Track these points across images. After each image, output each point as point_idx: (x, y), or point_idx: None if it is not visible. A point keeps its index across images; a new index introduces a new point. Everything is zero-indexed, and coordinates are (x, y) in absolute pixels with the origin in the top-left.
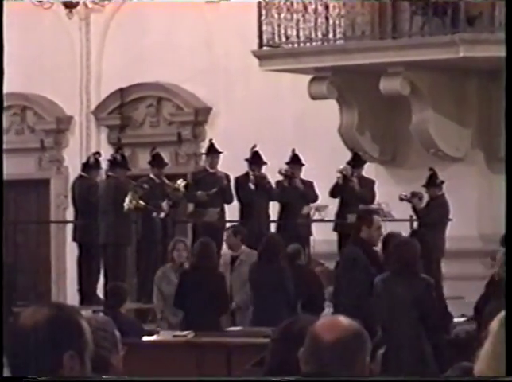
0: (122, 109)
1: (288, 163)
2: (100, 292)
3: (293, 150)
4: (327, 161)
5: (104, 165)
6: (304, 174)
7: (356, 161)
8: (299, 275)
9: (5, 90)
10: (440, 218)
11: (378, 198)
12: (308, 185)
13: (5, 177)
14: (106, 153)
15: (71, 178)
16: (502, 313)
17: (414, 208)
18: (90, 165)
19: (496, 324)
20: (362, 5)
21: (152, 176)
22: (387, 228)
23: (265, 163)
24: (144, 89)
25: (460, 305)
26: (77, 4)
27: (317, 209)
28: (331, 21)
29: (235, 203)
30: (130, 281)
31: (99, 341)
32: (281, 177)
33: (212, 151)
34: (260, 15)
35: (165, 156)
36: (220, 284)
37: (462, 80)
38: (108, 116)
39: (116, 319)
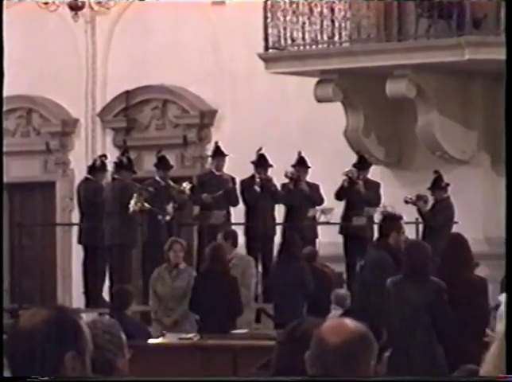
0: (128, 111)
1: (293, 166)
2: (106, 294)
3: (299, 153)
4: (332, 163)
5: (110, 167)
6: (309, 177)
7: (362, 164)
8: (314, 277)
9: (10, 92)
10: (445, 221)
11: (383, 201)
12: (314, 187)
13: (11, 180)
14: (112, 155)
15: (77, 181)
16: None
17: (419, 211)
18: (96, 168)
19: (503, 327)
20: (368, 8)
21: (157, 178)
22: None
23: (270, 166)
24: (149, 92)
25: None
26: (83, 6)
27: (323, 212)
28: (336, 24)
29: (241, 205)
30: (136, 283)
31: (105, 344)
32: (286, 180)
33: (218, 154)
34: (266, 18)
35: (171, 158)
36: (233, 287)
37: (467, 83)
38: (114, 119)
39: (122, 322)
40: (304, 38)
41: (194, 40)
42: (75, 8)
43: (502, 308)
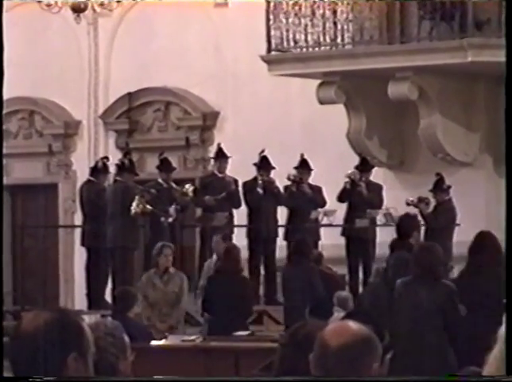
0: (130, 113)
1: (296, 168)
2: (108, 296)
3: (302, 155)
4: (335, 165)
5: (112, 169)
6: (312, 179)
7: (364, 166)
8: (322, 279)
9: (13, 94)
10: (447, 223)
11: (385, 203)
12: (317, 189)
13: (13, 182)
14: (114, 157)
15: (79, 183)
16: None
17: (421, 213)
18: (98, 170)
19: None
20: (371, 10)
21: (160, 180)
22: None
23: (273, 168)
24: (152, 94)
25: None
26: (85, 8)
27: (325, 214)
28: (339, 26)
29: (244, 207)
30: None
31: (107, 347)
32: (289, 182)
33: (220, 156)
34: (268, 20)
35: (173, 160)
36: (245, 288)
37: (470, 85)
38: (116, 121)
39: (124, 323)
40: (306, 40)
41: (196, 43)
42: (77, 10)
43: None
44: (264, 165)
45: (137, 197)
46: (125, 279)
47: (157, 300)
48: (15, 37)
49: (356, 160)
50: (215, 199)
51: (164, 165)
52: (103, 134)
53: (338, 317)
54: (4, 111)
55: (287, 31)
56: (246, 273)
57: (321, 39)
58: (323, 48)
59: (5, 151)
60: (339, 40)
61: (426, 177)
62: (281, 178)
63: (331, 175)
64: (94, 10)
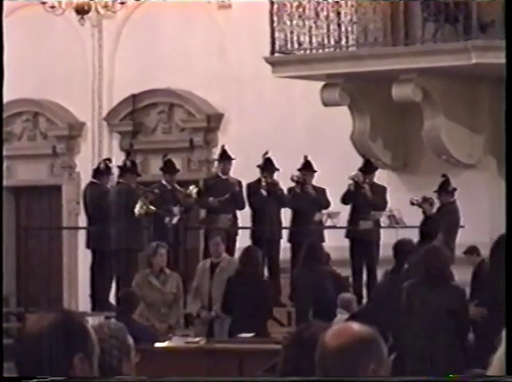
0: (134, 115)
1: (300, 170)
2: (112, 298)
3: (305, 157)
4: (339, 167)
5: (116, 171)
6: (316, 181)
7: (368, 168)
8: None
9: (17, 96)
10: (451, 225)
11: (389, 205)
12: (320, 191)
13: (17, 183)
14: (119, 159)
15: (83, 184)
16: None
17: (425, 214)
18: (101, 172)
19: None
20: (375, 12)
21: (164, 182)
22: (399, 234)
23: (277, 169)
24: (156, 95)
25: None
26: (89, 10)
27: (329, 216)
28: (343, 28)
29: (247, 209)
30: None
31: (110, 349)
32: (293, 184)
33: (224, 157)
34: (272, 22)
35: (177, 162)
36: (265, 289)
37: (474, 87)
38: (120, 122)
39: (128, 325)
40: (310, 42)
41: (200, 44)
42: (81, 12)
43: None
44: (268, 166)
45: (140, 199)
46: (129, 281)
47: (155, 300)
48: (19, 39)
49: (360, 162)
50: (219, 200)
51: (168, 167)
52: (107, 136)
53: (341, 319)
54: (8, 113)
55: (291, 33)
56: None
57: (325, 41)
58: (327, 50)
59: (9, 153)
60: (343, 42)
61: (430, 179)
62: (284, 180)
63: (334, 177)
64: (98, 12)
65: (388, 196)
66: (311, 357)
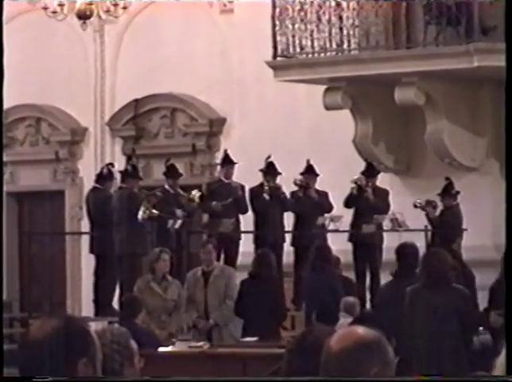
0: (137, 120)
1: (302, 173)
2: (115, 303)
3: (308, 161)
4: (341, 171)
5: (118, 176)
6: (318, 184)
7: (370, 171)
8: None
9: (19, 101)
10: (453, 228)
11: (392, 208)
12: (323, 195)
13: (20, 189)
14: (121, 164)
15: (86, 189)
16: None
17: (428, 217)
18: (103, 177)
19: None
20: (377, 16)
21: (167, 187)
22: (401, 238)
23: (279, 173)
24: (158, 100)
25: None
26: (91, 15)
27: (332, 219)
28: (345, 32)
29: (250, 213)
30: None
31: (112, 355)
32: (295, 188)
33: (227, 162)
34: (274, 25)
35: (180, 167)
36: (278, 293)
37: (476, 90)
38: (122, 127)
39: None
40: (312, 46)
41: (202, 49)
42: (83, 17)
43: None
44: (270, 170)
45: (143, 203)
46: (132, 286)
47: (155, 307)
48: (21, 44)
49: (362, 165)
50: (222, 205)
51: (171, 172)
52: (110, 141)
53: (344, 323)
54: (10, 119)
55: (293, 37)
56: None
57: (327, 44)
58: (329, 53)
59: (11, 158)
60: (345, 45)
61: (433, 183)
62: (287, 184)
63: (337, 180)
64: (100, 17)
65: (390, 200)
66: (314, 361)
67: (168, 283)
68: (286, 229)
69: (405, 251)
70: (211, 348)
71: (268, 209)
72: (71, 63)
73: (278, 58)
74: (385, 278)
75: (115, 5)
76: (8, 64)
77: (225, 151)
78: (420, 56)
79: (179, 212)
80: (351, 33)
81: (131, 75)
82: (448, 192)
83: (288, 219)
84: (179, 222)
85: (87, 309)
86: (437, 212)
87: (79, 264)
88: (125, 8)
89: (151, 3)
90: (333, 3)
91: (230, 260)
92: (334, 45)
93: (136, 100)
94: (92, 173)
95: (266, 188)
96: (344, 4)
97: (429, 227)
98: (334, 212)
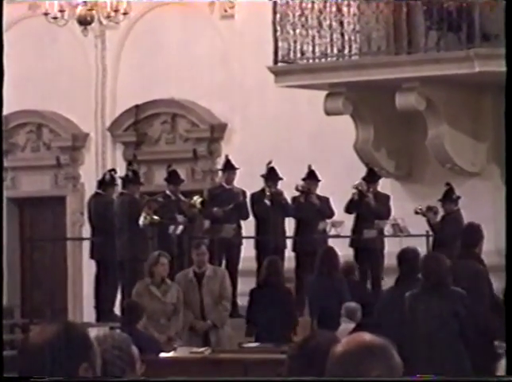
0: (138, 126)
1: (304, 179)
2: (117, 309)
3: (309, 166)
4: (342, 176)
5: (119, 181)
6: (319, 190)
7: (371, 177)
8: (353, 290)
9: (20, 107)
10: (454, 233)
11: (393, 213)
12: (324, 200)
13: (21, 195)
14: (122, 169)
15: (87, 195)
16: None
17: (429, 223)
18: (105, 183)
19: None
20: (377, 21)
21: (168, 192)
22: (403, 243)
23: (281, 179)
24: (159, 106)
25: None
26: (92, 21)
27: (333, 225)
28: (346, 37)
29: (252, 219)
30: None
31: (114, 360)
32: (297, 193)
33: (228, 167)
34: (275, 31)
35: (181, 172)
36: (288, 299)
37: (477, 95)
38: (124, 133)
39: (133, 336)
40: (313, 51)
41: (203, 54)
42: (84, 23)
43: None
44: (271, 176)
45: (144, 209)
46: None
47: (155, 310)
48: (22, 50)
49: (364, 171)
50: (223, 210)
51: (173, 178)
52: (111, 147)
53: (346, 328)
54: (11, 125)
55: (294, 42)
56: (253, 284)
57: (328, 50)
58: (330, 59)
59: (13, 164)
60: (346, 51)
61: (434, 188)
62: (288, 189)
63: (338, 186)
64: (101, 23)
65: (392, 205)
66: (316, 367)
67: (168, 287)
68: (287, 235)
69: (406, 257)
70: (212, 354)
71: (269, 215)
72: (72, 69)
73: (279, 64)
74: (386, 283)
75: (116, 10)
76: (9, 70)
77: (226, 157)
78: (421, 61)
79: (180, 217)
80: (352, 38)
81: (132, 80)
82: (449, 197)
83: (290, 224)
84: (180, 228)
85: (88, 314)
86: (438, 218)
87: (80, 270)
88: (126, 14)
89: (152, 9)
90: (334, 8)
91: (232, 266)
92: (335, 51)
93: (137, 106)
94: (93, 178)
95: (268, 193)
96: (345, 9)
97: (430, 232)
98: (335, 218)
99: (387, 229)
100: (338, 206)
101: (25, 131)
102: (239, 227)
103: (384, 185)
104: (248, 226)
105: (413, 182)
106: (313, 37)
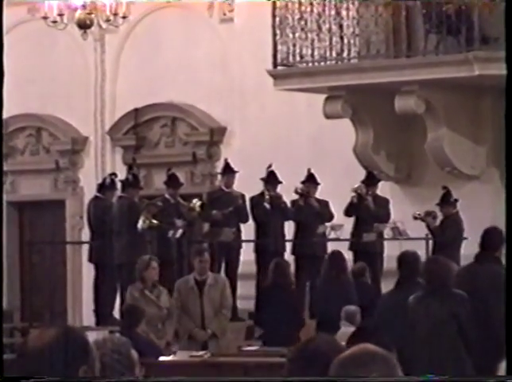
0: (137, 129)
1: (303, 182)
2: (116, 313)
3: (309, 170)
4: (342, 180)
5: (119, 185)
6: (319, 193)
7: (370, 180)
8: (363, 292)
9: (20, 111)
10: (455, 236)
11: (393, 217)
12: (324, 204)
13: (21, 198)
14: (122, 173)
15: (87, 199)
16: None
17: (428, 227)
18: (106, 186)
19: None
20: (377, 24)
21: (167, 196)
22: (402, 246)
23: (280, 182)
24: (158, 109)
25: None
26: (91, 25)
27: (333, 228)
28: (345, 40)
29: (251, 222)
30: None
31: (113, 364)
32: (296, 196)
33: (228, 171)
34: (275, 34)
35: (180, 176)
36: (295, 301)
37: (476, 98)
38: (123, 136)
39: (132, 339)
40: (313, 55)
41: (203, 58)
42: (83, 26)
43: None
44: (271, 179)
45: (143, 213)
46: None
47: (152, 315)
48: (22, 53)
49: (363, 174)
50: (223, 213)
51: (172, 181)
52: (110, 150)
53: (345, 332)
54: (11, 128)
55: (293, 46)
56: (253, 288)
57: (327, 53)
58: (329, 62)
59: (12, 168)
60: (345, 54)
61: (433, 191)
62: (288, 192)
63: (338, 189)
64: (100, 26)
65: (391, 208)
66: (315, 370)
67: (160, 291)
68: (287, 238)
69: (406, 260)
70: (212, 358)
71: (269, 218)
72: (71, 72)
73: (278, 67)
74: (386, 286)
75: (115, 14)
76: (8, 74)
77: (225, 160)
78: (420, 64)
79: (179, 222)
80: (352, 41)
81: (131, 84)
82: (447, 200)
83: (289, 228)
84: (179, 231)
85: (88, 318)
86: (437, 222)
87: (79, 274)
88: (125, 17)
89: (151, 12)
90: (333, 12)
91: (231, 269)
92: (334, 54)
93: (136, 109)
94: (93, 182)
95: (267, 197)
96: (344, 13)
97: (430, 236)
98: (334, 221)
99: (387, 232)
100: (337, 209)
101: (24, 135)
102: (239, 230)
103: (383, 189)
104: (247, 229)
105: (413, 185)
106: (312, 41)
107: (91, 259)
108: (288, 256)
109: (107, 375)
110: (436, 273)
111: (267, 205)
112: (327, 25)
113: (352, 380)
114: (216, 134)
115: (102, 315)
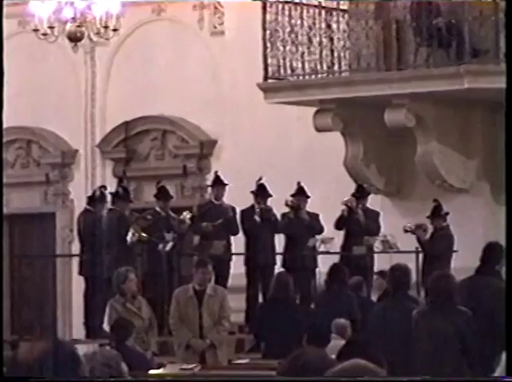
0: (127, 142)
1: (293, 195)
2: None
3: (299, 183)
4: (332, 193)
5: (109, 198)
6: (309, 206)
7: (361, 193)
8: (361, 306)
9: (10, 124)
10: (445, 249)
11: (383, 230)
12: (314, 217)
13: (11, 211)
14: (112, 186)
15: (77, 212)
16: None
17: (419, 240)
18: (95, 199)
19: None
20: (367, 38)
21: (157, 209)
22: (393, 259)
23: (270, 195)
24: (148, 122)
25: None
26: (81, 37)
27: (323, 241)
28: (336, 54)
29: (241, 235)
30: None
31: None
32: (286, 209)
33: (218, 183)
34: (265, 48)
35: (171, 189)
36: (298, 314)
37: (467, 112)
38: (113, 149)
39: (123, 352)
40: (303, 68)
41: (193, 71)
42: (73, 39)
43: None
44: (261, 192)
45: (132, 226)
46: None
47: (138, 327)
48: (12, 66)
49: (353, 187)
50: (213, 225)
51: (162, 194)
52: (100, 163)
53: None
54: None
55: (284, 59)
56: (243, 301)
57: (318, 66)
58: (320, 75)
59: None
60: (335, 67)
61: (423, 204)
62: (278, 205)
63: (328, 202)
64: (90, 39)
65: (381, 222)
66: None
67: (140, 302)
68: (277, 251)
69: (396, 274)
70: (202, 371)
71: (259, 231)
72: (61, 85)
73: (269, 80)
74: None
75: (106, 27)
76: None
77: (215, 173)
78: (410, 77)
79: (168, 236)
80: (342, 55)
81: (122, 97)
82: (437, 213)
83: (279, 241)
84: (170, 244)
85: (78, 331)
86: (428, 235)
87: (69, 286)
88: (115, 30)
89: (141, 25)
90: (323, 25)
91: (222, 282)
92: (325, 67)
93: (126, 122)
94: (83, 195)
95: (257, 210)
96: (335, 26)
97: (420, 249)
98: (325, 234)
99: (377, 245)
100: (327, 222)
101: (14, 147)
102: (229, 243)
103: (374, 202)
104: (238, 242)
105: (403, 199)
106: (303, 54)
107: (81, 272)
108: (278, 269)
109: None
110: (442, 289)
111: (257, 218)
112: (318, 39)
113: (351, 380)
114: (206, 147)
115: (92, 328)
